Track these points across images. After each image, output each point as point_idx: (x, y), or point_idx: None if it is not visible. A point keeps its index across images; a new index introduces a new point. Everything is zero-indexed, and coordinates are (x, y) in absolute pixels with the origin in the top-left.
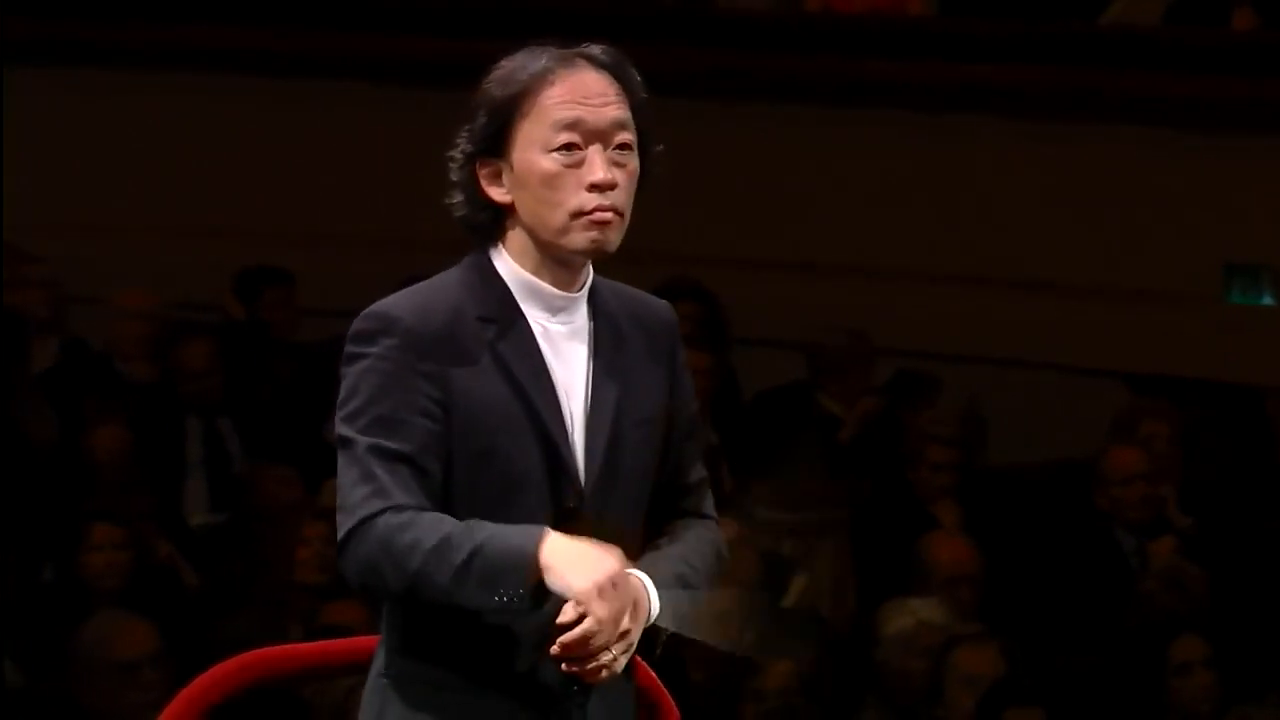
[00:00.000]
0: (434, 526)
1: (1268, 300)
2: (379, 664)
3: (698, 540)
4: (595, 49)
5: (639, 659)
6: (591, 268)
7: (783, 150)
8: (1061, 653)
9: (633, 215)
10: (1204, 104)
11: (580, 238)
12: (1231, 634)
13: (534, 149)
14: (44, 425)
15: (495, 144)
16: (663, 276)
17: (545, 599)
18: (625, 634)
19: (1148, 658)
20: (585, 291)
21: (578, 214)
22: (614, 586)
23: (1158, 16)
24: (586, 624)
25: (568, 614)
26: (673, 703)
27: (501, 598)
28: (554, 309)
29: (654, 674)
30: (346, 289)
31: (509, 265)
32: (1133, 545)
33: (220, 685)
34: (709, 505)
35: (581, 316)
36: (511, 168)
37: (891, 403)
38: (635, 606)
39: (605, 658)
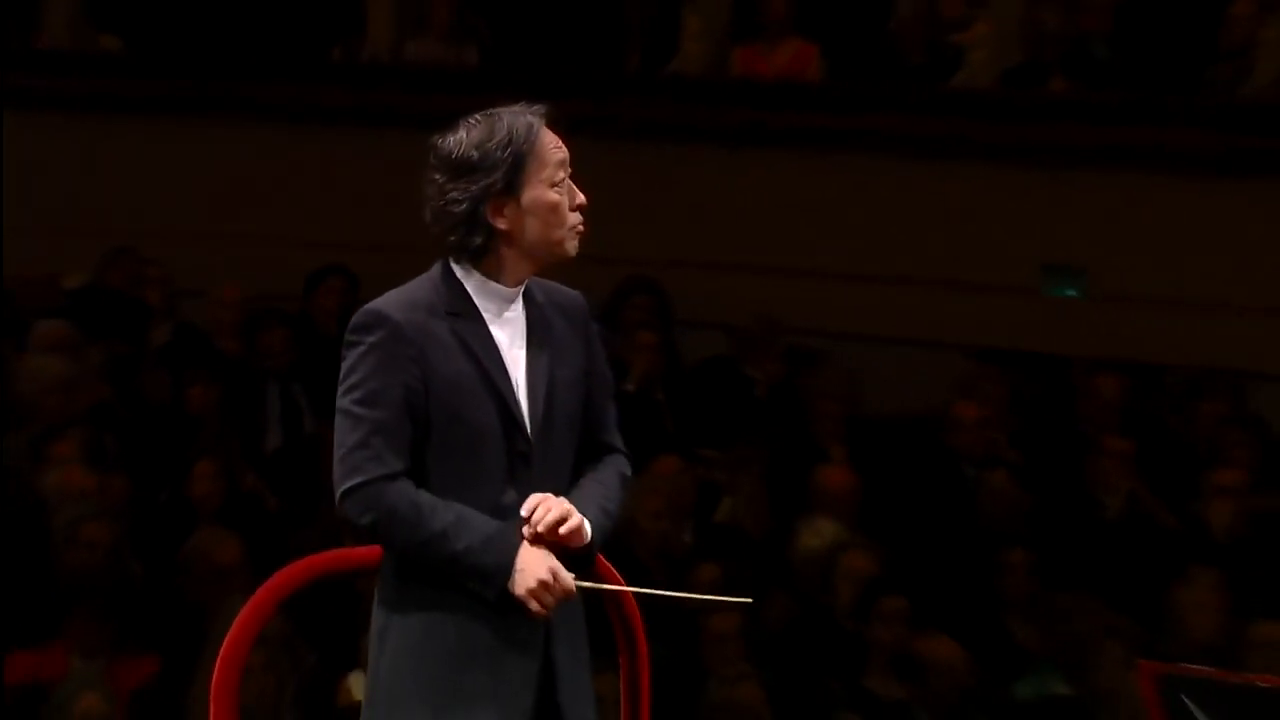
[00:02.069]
0: (437, 516)
1: (1073, 293)
2: (381, 590)
3: (610, 473)
4: (539, 107)
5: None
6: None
7: (713, 180)
8: (920, 556)
9: (601, 228)
10: (1027, 146)
11: (573, 245)
12: (1048, 543)
13: (542, 186)
14: (160, 387)
15: (510, 186)
16: (623, 274)
17: (507, 595)
18: (548, 589)
19: (984, 560)
20: (522, 289)
21: (572, 228)
22: (545, 587)
23: (996, 79)
24: (531, 607)
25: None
26: (636, 607)
27: (476, 589)
28: (500, 303)
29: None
30: (397, 285)
31: (466, 271)
32: (973, 475)
33: (292, 581)
34: (619, 440)
35: (519, 308)
36: (519, 202)
37: (792, 370)
38: (557, 575)
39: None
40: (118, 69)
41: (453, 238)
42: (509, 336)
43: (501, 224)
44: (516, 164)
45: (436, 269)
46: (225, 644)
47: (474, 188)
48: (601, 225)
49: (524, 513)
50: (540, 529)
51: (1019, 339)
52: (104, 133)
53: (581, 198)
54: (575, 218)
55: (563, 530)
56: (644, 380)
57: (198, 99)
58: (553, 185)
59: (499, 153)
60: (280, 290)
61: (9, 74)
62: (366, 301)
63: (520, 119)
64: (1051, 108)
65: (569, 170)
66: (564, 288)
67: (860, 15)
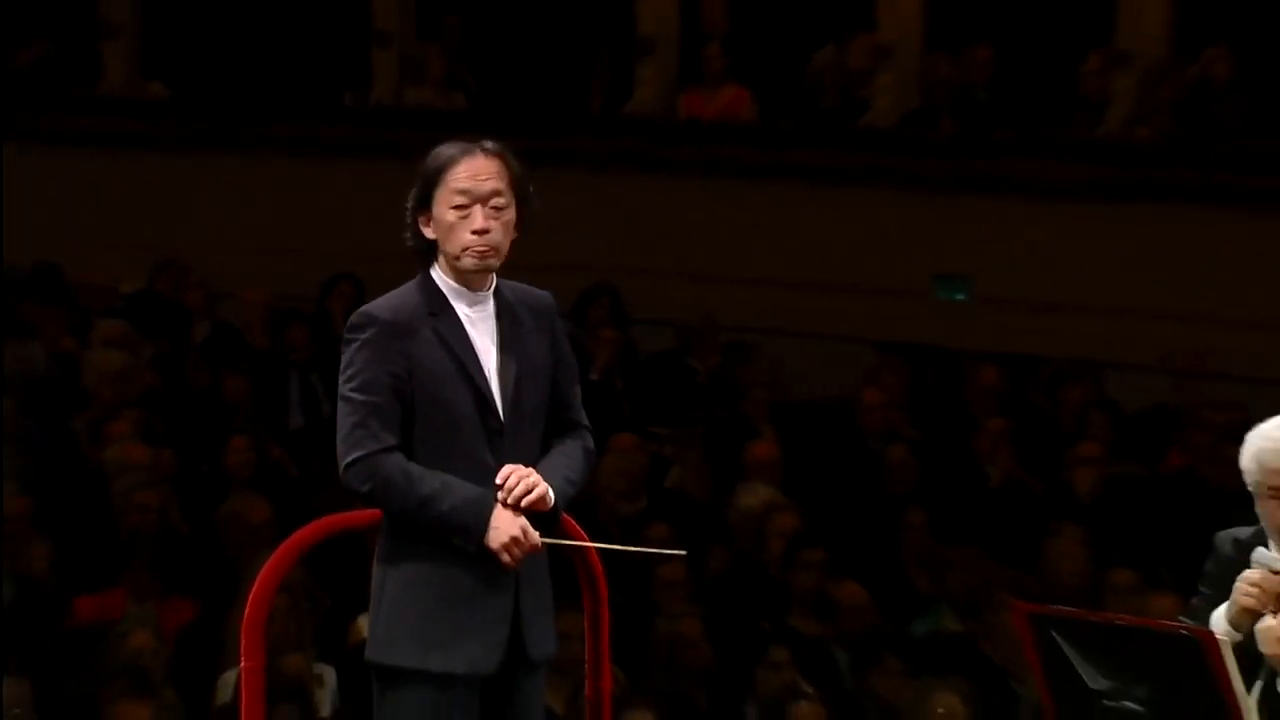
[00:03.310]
0: (424, 483)
1: (960, 297)
2: (380, 547)
3: (575, 447)
4: (488, 143)
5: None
6: (495, 275)
7: (662, 202)
8: (834, 515)
9: (570, 241)
10: (922, 175)
11: (469, 261)
12: (940, 505)
13: (443, 207)
14: (200, 376)
15: (425, 201)
16: (587, 281)
17: (484, 549)
18: (519, 544)
19: (887, 520)
20: (491, 290)
21: (466, 247)
22: (515, 542)
23: (896, 120)
24: (503, 559)
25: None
26: (601, 568)
27: (459, 543)
28: (472, 303)
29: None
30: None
31: (442, 278)
32: (878, 449)
33: (310, 537)
34: (584, 418)
35: (490, 307)
36: (431, 218)
37: (728, 361)
38: (526, 532)
39: (516, 559)
40: (164, 112)
41: (408, 243)
42: (481, 331)
43: (428, 233)
44: (429, 184)
45: (420, 276)
46: (254, 589)
47: (411, 200)
48: (569, 239)
49: (498, 481)
50: (512, 498)
51: (915, 336)
52: (153, 164)
53: (481, 224)
54: (471, 239)
55: (528, 500)
56: (605, 369)
57: (231, 136)
58: (451, 207)
59: (425, 174)
60: (300, 294)
61: (74, 117)
62: (372, 302)
63: (447, 150)
64: (942, 144)
65: (478, 201)
66: (534, 288)
67: (785, 66)
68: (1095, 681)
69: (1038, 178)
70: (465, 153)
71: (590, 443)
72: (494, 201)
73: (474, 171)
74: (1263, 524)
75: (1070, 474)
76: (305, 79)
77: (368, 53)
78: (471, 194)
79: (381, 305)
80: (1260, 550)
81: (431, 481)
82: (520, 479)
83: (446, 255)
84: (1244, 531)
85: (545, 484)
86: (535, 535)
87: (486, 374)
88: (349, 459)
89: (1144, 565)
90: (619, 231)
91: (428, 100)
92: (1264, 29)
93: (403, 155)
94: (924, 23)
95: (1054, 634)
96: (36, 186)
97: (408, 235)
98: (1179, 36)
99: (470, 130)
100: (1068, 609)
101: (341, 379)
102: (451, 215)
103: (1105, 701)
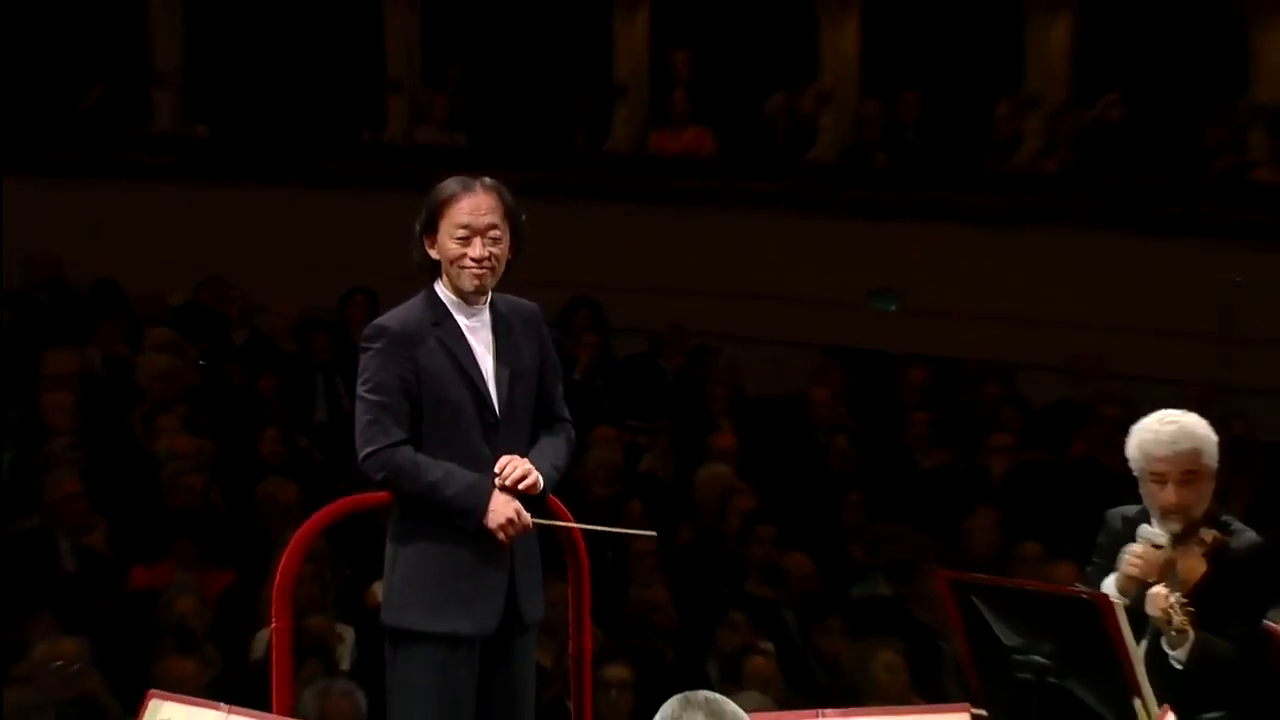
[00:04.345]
0: (430, 471)
1: (891, 307)
2: (392, 526)
3: (560, 438)
4: (486, 179)
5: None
6: (491, 291)
7: (637, 227)
8: (785, 496)
9: (556, 261)
10: (859, 202)
11: (468, 281)
12: (876, 487)
13: (446, 236)
14: (238, 376)
15: (431, 227)
16: (573, 294)
17: (482, 528)
18: (513, 524)
19: (830, 500)
20: (487, 303)
21: (466, 269)
22: (509, 523)
23: (836, 155)
24: (499, 537)
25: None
26: (583, 544)
27: (461, 524)
28: (471, 314)
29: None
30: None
31: (444, 292)
32: (823, 439)
33: (332, 515)
34: (567, 413)
35: (486, 317)
36: (436, 241)
37: (693, 363)
38: (519, 513)
39: (510, 537)
40: (206, 149)
41: (415, 260)
42: (478, 339)
43: (432, 252)
44: (434, 213)
45: (425, 290)
46: (284, 559)
47: (419, 225)
48: (556, 259)
49: (496, 469)
50: (507, 484)
51: (853, 341)
52: (197, 194)
53: (480, 253)
54: (470, 265)
55: (523, 485)
56: (587, 370)
57: (264, 169)
58: (454, 239)
59: (431, 202)
60: (322, 305)
61: (127, 152)
62: (384, 314)
63: (451, 185)
64: (875, 175)
65: (477, 233)
66: (523, 300)
67: (742, 109)
68: (1008, 638)
69: (957, 205)
70: (466, 189)
71: (572, 434)
72: (491, 233)
73: (474, 207)
74: (1146, 503)
75: (986, 460)
76: (328, 120)
77: (382, 97)
78: (471, 228)
79: (391, 318)
80: (1144, 526)
81: (436, 470)
82: (515, 467)
83: (449, 275)
84: (1131, 509)
85: (537, 472)
86: (527, 516)
87: (484, 376)
88: (365, 451)
89: (1048, 539)
90: (598, 252)
91: (433, 138)
92: (1152, 77)
93: (412, 186)
94: (860, 72)
95: (972, 597)
96: (96, 213)
97: (414, 254)
98: (1079, 83)
99: (470, 164)
100: (984, 576)
101: (359, 382)
102: (454, 245)
103: (1016, 656)
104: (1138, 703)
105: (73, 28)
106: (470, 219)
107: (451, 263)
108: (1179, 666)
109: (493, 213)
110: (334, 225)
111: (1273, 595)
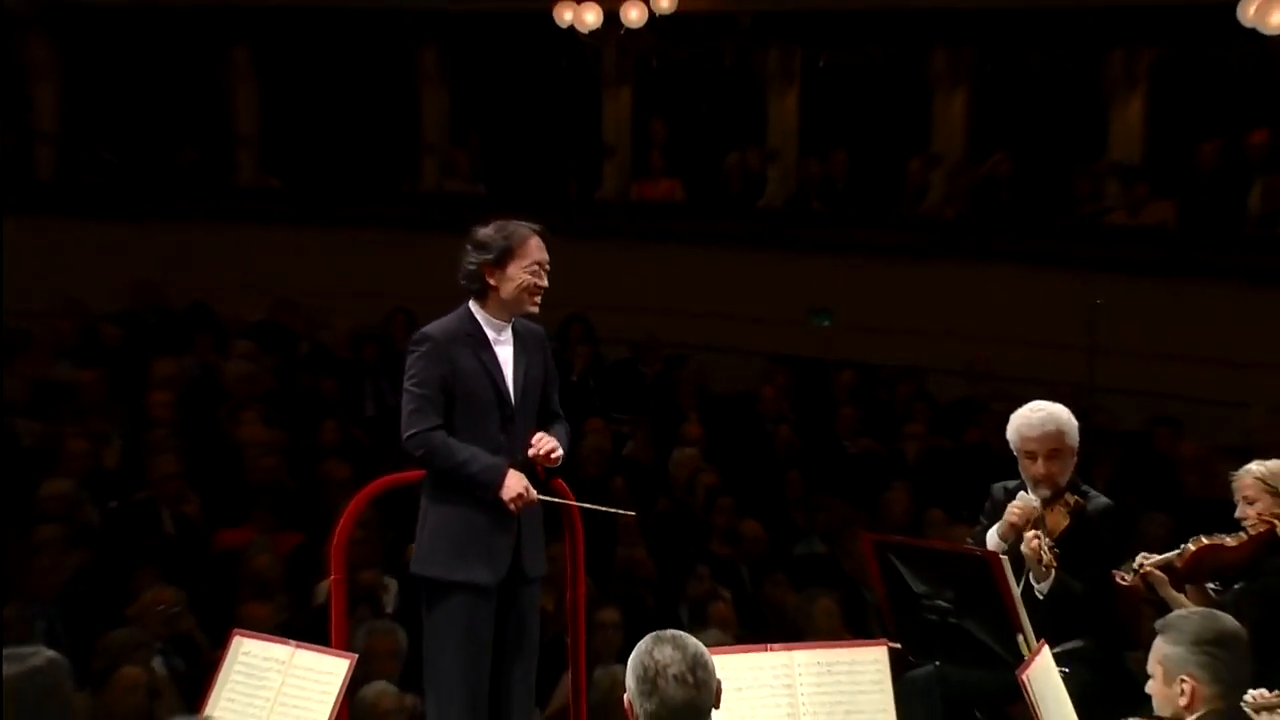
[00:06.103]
0: (459, 452)
1: (826, 323)
2: (424, 494)
3: (562, 429)
4: (536, 226)
5: (560, 500)
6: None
7: (621, 260)
8: (741, 473)
9: (555, 285)
10: (801, 239)
11: (532, 307)
12: (803, 466)
13: (520, 267)
14: (305, 379)
15: (500, 262)
16: (569, 312)
17: (498, 499)
18: (521, 498)
19: (776, 477)
20: (510, 324)
21: (532, 297)
22: (519, 497)
23: (782, 201)
24: (510, 508)
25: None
26: (578, 515)
27: (480, 495)
28: (498, 331)
29: (574, 506)
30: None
31: (479, 311)
32: (770, 429)
33: (378, 488)
34: (561, 410)
35: (509, 334)
36: (505, 273)
37: (668, 367)
38: (528, 489)
39: (519, 508)
40: (278, 197)
41: (465, 283)
42: (502, 350)
43: (492, 282)
44: (508, 250)
45: (463, 308)
46: (340, 524)
47: (480, 257)
48: (556, 284)
49: (533, 442)
50: (540, 453)
51: (796, 350)
52: (271, 234)
53: (544, 282)
54: (536, 293)
55: (553, 455)
56: (581, 374)
57: (324, 214)
58: (528, 271)
59: (500, 241)
60: (371, 323)
61: (216, 201)
62: (419, 329)
63: (521, 229)
64: (813, 218)
65: (544, 266)
66: (533, 324)
67: (706, 165)
68: (918, 587)
69: (878, 242)
70: (535, 233)
71: (568, 427)
72: (545, 266)
73: (543, 246)
74: (1022, 476)
75: (902, 445)
76: (375, 174)
77: (418, 156)
78: (543, 263)
79: (435, 327)
80: (1022, 494)
81: (463, 451)
82: (547, 441)
83: (507, 299)
84: (1011, 483)
85: (561, 448)
86: (534, 492)
87: (505, 379)
88: (409, 432)
89: (950, 507)
90: (590, 279)
91: (459, 188)
92: (1032, 140)
93: (442, 227)
94: (799, 136)
95: (890, 555)
96: (192, 249)
97: (468, 280)
98: (973, 144)
99: (488, 210)
100: (899, 537)
101: (405, 376)
102: (528, 276)
103: (924, 601)
104: (1020, 638)
105: (169, 101)
106: (543, 256)
107: (522, 290)
108: (1040, 598)
109: (545, 251)
110: (379, 258)
111: (1120, 548)
